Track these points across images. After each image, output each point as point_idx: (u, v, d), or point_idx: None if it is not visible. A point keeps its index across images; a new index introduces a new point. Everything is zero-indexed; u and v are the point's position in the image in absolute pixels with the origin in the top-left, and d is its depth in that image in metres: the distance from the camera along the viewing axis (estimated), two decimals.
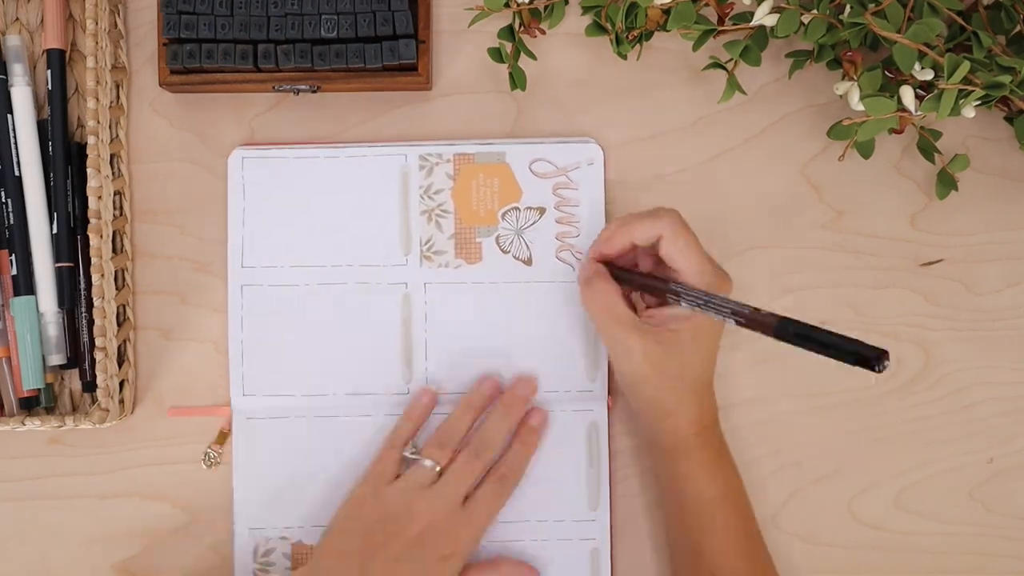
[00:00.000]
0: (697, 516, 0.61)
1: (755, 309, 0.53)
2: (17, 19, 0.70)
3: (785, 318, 0.51)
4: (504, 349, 0.67)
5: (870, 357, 0.46)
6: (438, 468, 0.62)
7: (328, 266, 0.67)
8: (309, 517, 0.66)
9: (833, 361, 0.69)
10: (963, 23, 0.61)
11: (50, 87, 0.67)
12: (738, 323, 0.54)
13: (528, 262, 0.67)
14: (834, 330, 0.49)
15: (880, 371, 0.46)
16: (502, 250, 0.67)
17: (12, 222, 0.67)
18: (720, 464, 0.62)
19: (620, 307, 0.60)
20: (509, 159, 0.68)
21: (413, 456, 0.63)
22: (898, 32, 0.58)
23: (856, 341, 0.47)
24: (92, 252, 0.64)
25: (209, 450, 0.67)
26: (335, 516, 0.63)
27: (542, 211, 0.68)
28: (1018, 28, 0.61)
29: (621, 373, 0.62)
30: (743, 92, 0.66)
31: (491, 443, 0.63)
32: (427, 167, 0.68)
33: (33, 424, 0.64)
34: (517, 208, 0.68)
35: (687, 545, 0.62)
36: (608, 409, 0.67)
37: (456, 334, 0.67)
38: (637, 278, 0.62)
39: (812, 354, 0.68)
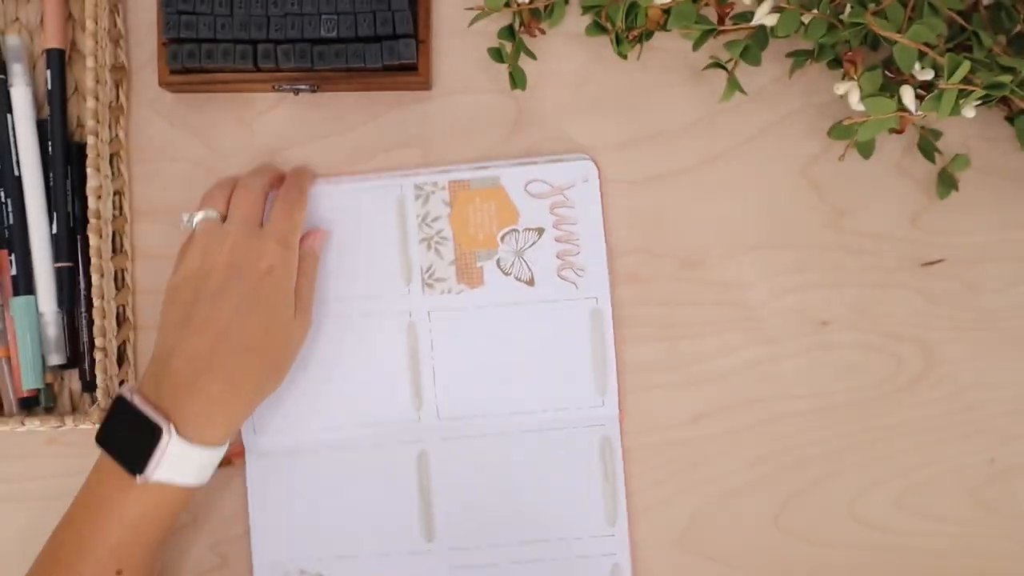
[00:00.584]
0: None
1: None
2: (17, 19, 0.70)
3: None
4: (512, 370, 0.67)
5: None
6: (217, 211, 0.63)
7: (331, 299, 0.67)
8: (329, 548, 0.67)
9: (835, 361, 0.69)
10: (963, 23, 0.61)
11: (50, 87, 0.67)
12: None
13: (530, 282, 0.68)
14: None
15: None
16: (503, 272, 0.68)
17: (12, 222, 0.67)
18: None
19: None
20: (504, 182, 0.68)
21: (191, 216, 0.64)
22: (898, 32, 0.58)
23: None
24: (92, 252, 0.64)
25: None
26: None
27: (541, 231, 0.68)
28: (1018, 28, 0.61)
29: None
30: (743, 92, 0.66)
31: (254, 184, 0.64)
32: (423, 196, 0.68)
33: (33, 424, 0.64)
34: (516, 230, 0.68)
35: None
36: (620, 423, 0.67)
37: (463, 359, 0.68)
38: None
39: (813, 354, 0.69)
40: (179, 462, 0.57)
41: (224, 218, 0.63)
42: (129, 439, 0.58)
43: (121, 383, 0.67)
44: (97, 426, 0.63)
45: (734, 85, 0.64)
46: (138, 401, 0.58)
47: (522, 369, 0.67)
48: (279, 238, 0.62)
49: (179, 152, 0.70)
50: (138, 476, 0.57)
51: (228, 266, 0.60)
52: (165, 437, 0.57)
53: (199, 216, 0.63)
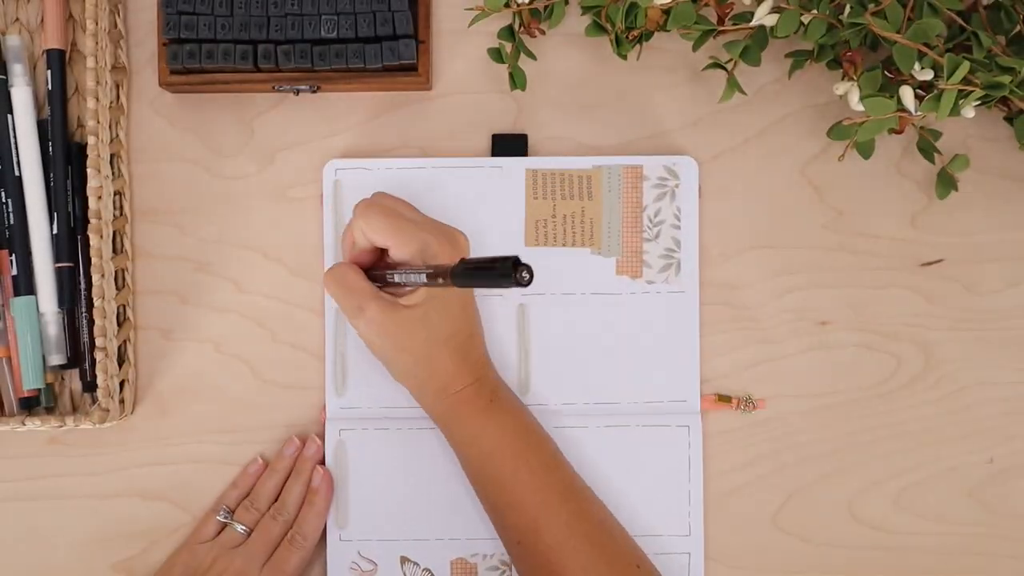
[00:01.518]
0: (481, 472, 0.62)
1: (433, 269, 0.57)
2: (17, 19, 0.70)
3: (456, 266, 0.53)
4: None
5: (508, 274, 0.48)
6: (247, 530, 0.65)
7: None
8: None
9: (834, 361, 0.69)
10: (963, 23, 0.61)
11: (50, 87, 0.67)
12: (431, 284, 0.57)
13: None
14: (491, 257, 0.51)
15: (524, 283, 0.48)
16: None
17: (12, 222, 0.67)
18: (493, 414, 0.62)
19: (356, 278, 0.62)
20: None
21: (225, 520, 0.66)
22: (898, 32, 0.58)
23: (497, 259, 0.49)
24: (92, 252, 0.64)
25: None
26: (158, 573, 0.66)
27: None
28: (1018, 28, 0.61)
29: (366, 343, 0.63)
30: (743, 92, 0.66)
31: (285, 505, 0.66)
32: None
33: (33, 424, 0.64)
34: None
35: (487, 503, 0.63)
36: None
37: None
38: (373, 273, 0.63)
39: (812, 354, 0.69)
40: None
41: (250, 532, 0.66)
42: None
43: (121, 384, 0.67)
44: (97, 426, 0.63)
45: (734, 85, 0.65)
46: None
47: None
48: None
49: (179, 152, 0.70)
50: None
51: None
52: None
53: (237, 528, 0.65)
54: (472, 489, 0.64)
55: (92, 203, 0.64)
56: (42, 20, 0.69)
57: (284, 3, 0.65)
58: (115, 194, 0.68)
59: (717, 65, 0.65)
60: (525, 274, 0.48)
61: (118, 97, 0.69)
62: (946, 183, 0.67)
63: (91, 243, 0.64)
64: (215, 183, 0.70)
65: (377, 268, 0.64)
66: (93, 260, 0.64)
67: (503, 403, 0.63)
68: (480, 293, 0.67)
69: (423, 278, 0.57)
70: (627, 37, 0.64)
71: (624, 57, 0.65)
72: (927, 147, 0.67)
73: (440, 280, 0.55)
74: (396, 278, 0.60)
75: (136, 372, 0.69)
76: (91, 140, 0.65)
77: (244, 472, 0.68)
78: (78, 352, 0.68)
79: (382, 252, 0.64)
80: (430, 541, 0.67)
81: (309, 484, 0.67)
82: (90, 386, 0.67)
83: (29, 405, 0.67)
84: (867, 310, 0.69)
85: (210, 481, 0.68)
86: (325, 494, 0.66)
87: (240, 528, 0.65)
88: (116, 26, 0.69)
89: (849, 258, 0.69)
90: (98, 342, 0.64)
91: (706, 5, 0.65)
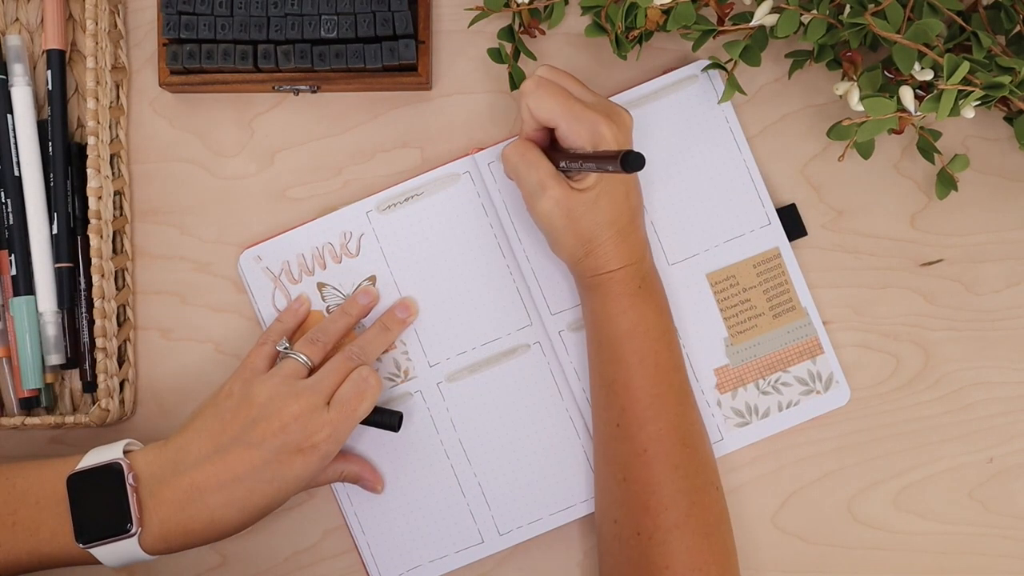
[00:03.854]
0: (609, 349, 0.62)
1: (600, 154, 0.57)
2: (17, 19, 0.70)
3: (626, 152, 0.54)
4: None
5: (626, 159, 0.53)
6: (310, 363, 0.63)
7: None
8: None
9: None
10: (963, 23, 0.61)
11: (50, 87, 0.67)
12: (600, 171, 0.58)
13: None
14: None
15: (636, 168, 0.53)
16: None
17: (12, 222, 0.67)
18: (638, 300, 0.62)
19: (540, 156, 0.61)
20: None
21: (286, 350, 0.64)
22: (898, 32, 0.58)
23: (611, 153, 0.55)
24: (92, 252, 0.64)
25: None
26: (203, 404, 0.63)
27: None
28: (1018, 28, 0.61)
29: (536, 216, 0.62)
30: (743, 92, 0.66)
31: (367, 353, 0.64)
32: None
33: (33, 424, 0.64)
34: None
35: (600, 379, 0.63)
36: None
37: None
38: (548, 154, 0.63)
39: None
40: (119, 552, 0.58)
41: (311, 371, 0.63)
42: (96, 512, 0.58)
43: (121, 384, 0.67)
44: (97, 426, 0.63)
45: (734, 85, 0.65)
46: (129, 485, 0.58)
47: None
48: (334, 432, 0.61)
49: (179, 152, 0.70)
50: (80, 543, 0.58)
51: (282, 428, 0.60)
52: (127, 541, 0.58)
53: (294, 355, 0.63)
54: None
55: (92, 203, 0.64)
56: (42, 20, 0.69)
57: (284, 3, 0.65)
58: (115, 194, 0.68)
59: (717, 65, 0.65)
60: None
61: (118, 97, 0.69)
62: (946, 183, 0.67)
63: (91, 243, 0.64)
64: (215, 183, 0.70)
65: (546, 150, 0.63)
66: (93, 260, 0.64)
67: (650, 291, 0.63)
68: None
69: (593, 165, 0.57)
70: (627, 37, 0.64)
71: (624, 57, 0.65)
72: (927, 147, 0.67)
73: (609, 167, 0.56)
74: (567, 165, 0.60)
75: (136, 372, 0.69)
76: (91, 140, 0.65)
77: (290, 309, 0.67)
78: (78, 352, 0.68)
79: (549, 132, 0.63)
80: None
81: (388, 311, 0.66)
82: (90, 386, 0.67)
83: (29, 405, 0.67)
84: (867, 310, 0.69)
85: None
86: (405, 325, 0.67)
87: (303, 358, 0.63)
88: (116, 26, 0.69)
89: (849, 258, 0.69)
90: (98, 342, 0.64)
91: (706, 5, 0.65)
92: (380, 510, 0.67)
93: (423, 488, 0.67)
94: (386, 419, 0.65)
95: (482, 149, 0.68)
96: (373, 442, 0.67)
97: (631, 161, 0.53)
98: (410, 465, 0.67)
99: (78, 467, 0.59)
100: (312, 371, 0.63)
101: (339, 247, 0.68)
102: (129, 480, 0.58)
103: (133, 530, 0.57)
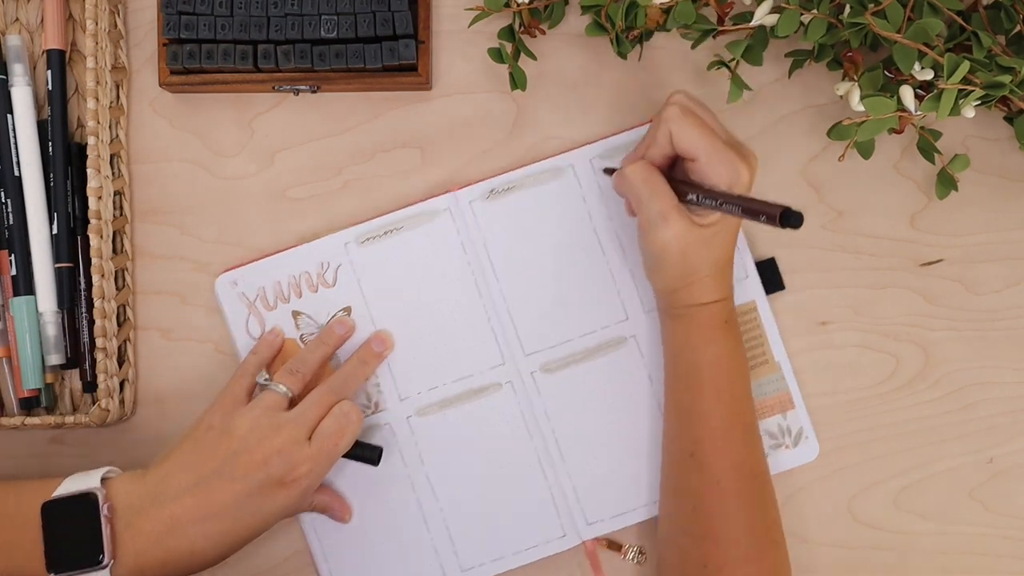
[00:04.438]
0: (688, 378, 0.62)
1: (754, 202, 0.55)
2: (17, 19, 0.70)
3: (785, 209, 0.53)
4: None
5: (786, 216, 0.52)
6: (290, 394, 0.63)
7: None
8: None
9: (836, 361, 0.69)
10: (963, 23, 0.61)
11: (50, 87, 0.67)
12: (726, 211, 0.56)
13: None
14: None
15: (796, 226, 0.52)
16: None
17: (12, 222, 0.67)
18: (722, 333, 0.62)
19: (664, 184, 0.60)
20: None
21: (265, 382, 0.63)
22: (898, 32, 0.58)
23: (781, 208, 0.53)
24: (92, 252, 0.64)
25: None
26: (183, 436, 0.62)
27: None
28: (1018, 28, 0.61)
29: (650, 245, 0.61)
30: (749, 88, 0.66)
31: (348, 386, 0.64)
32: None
33: (33, 424, 0.64)
34: None
35: (676, 408, 0.63)
36: None
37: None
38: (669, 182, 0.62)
39: (812, 354, 0.69)
40: None
41: (292, 403, 0.63)
42: (69, 542, 0.57)
43: (121, 384, 0.67)
44: (97, 426, 0.63)
45: (739, 84, 0.64)
46: (104, 516, 0.57)
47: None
48: (316, 466, 0.61)
49: (179, 152, 0.70)
50: (51, 573, 0.57)
51: (264, 462, 0.59)
52: (98, 574, 0.57)
53: (273, 387, 0.63)
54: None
55: (92, 203, 0.64)
56: (42, 20, 0.69)
57: (284, 3, 0.65)
58: (115, 194, 0.68)
59: (721, 64, 0.65)
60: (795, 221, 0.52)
61: (118, 97, 0.69)
62: (946, 183, 0.67)
63: (91, 243, 0.64)
64: (215, 183, 0.70)
65: (669, 177, 0.62)
66: (93, 260, 0.64)
67: (733, 328, 0.63)
68: None
69: (739, 211, 0.55)
70: (627, 37, 0.64)
71: (624, 57, 0.65)
72: (927, 147, 0.67)
73: (762, 218, 0.54)
74: (699, 200, 0.58)
75: (136, 372, 0.69)
76: (91, 140, 0.65)
77: (264, 340, 0.67)
78: (78, 352, 0.68)
79: (672, 160, 0.62)
80: None
81: (364, 344, 0.66)
82: (90, 386, 0.67)
83: (29, 405, 0.67)
84: (867, 310, 0.69)
85: None
86: (381, 358, 0.67)
87: (283, 389, 0.63)
88: (116, 26, 0.69)
89: (849, 258, 0.69)
90: (98, 342, 0.64)
91: (706, 4, 0.65)
92: (344, 539, 0.67)
93: (387, 520, 0.67)
94: (366, 453, 0.65)
95: (464, 186, 0.68)
96: (338, 471, 0.67)
97: (792, 219, 0.52)
98: (375, 496, 0.67)
99: (54, 495, 0.58)
100: (292, 402, 0.63)
101: (316, 276, 0.68)
102: (104, 511, 0.57)
103: (105, 562, 0.57)
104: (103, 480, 0.59)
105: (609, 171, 0.66)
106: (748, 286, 0.68)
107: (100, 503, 0.58)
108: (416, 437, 0.67)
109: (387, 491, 0.67)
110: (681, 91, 0.61)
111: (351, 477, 0.67)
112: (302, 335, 0.67)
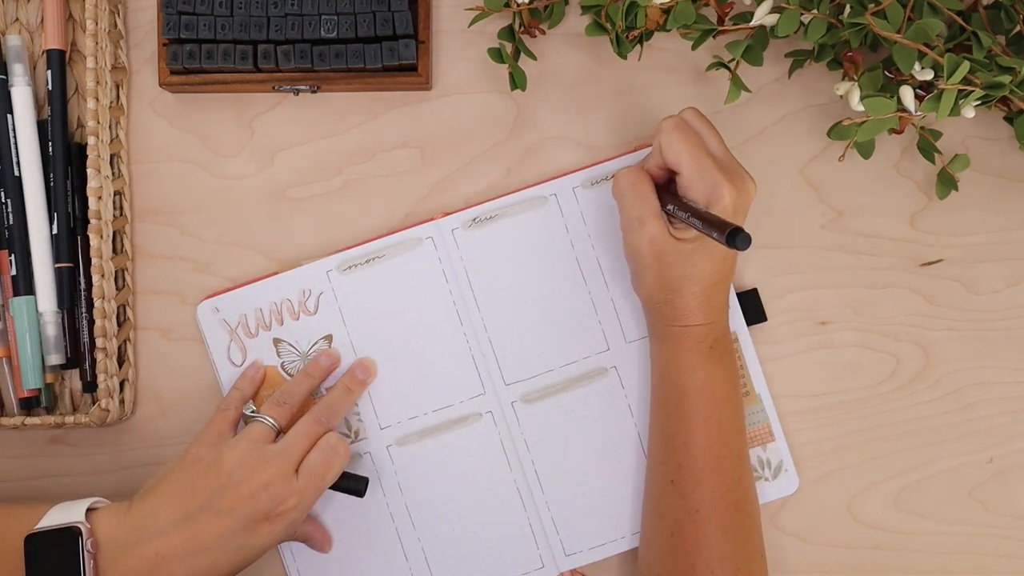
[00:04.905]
0: (673, 404, 0.62)
1: (710, 217, 0.56)
2: (17, 19, 0.70)
3: (734, 228, 0.54)
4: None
5: (732, 235, 0.53)
6: (277, 426, 0.62)
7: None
8: None
9: (834, 361, 0.69)
10: (963, 23, 0.61)
11: (50, 87, 0.67)
12: (703, 231, 0.57)
13: None
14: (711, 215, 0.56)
15: (741, 247, 0.53)
16: None
17: (12, 222, 0.67)
18: (709, 359, 0.62)
19: (650, 191, 0.61)
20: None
21: (252, 414, 0.63)
22: (898, 32, 0.58)
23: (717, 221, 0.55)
24: (92, 252, 0.64)
25: None
26: (168, 468, 0.61)
27: None
28: (1018, 28, 0.61)
29: (627, 247, 0.62)
30: (748, 90, 0.66)
31: (334, 414, 0.64)
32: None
33: (34, 424, 0.64)
34: None
35: (660, 433, 0.63)
36: None
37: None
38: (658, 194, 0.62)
39: (812, 354, 0.69)
40: None
41: (279, 433, 0.63)
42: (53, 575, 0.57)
43: (121, 384, 0.67)
44: (97, 426, 0.63)
45: (738, 85, 0.64)
46: (87, 551, 0.57)
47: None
48: (303, 500, 0.61)
49: (179, 152, 0.70)
50: None
51: (251, 496, 0.59)
52: None
53: (260, 419, 0.62)
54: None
55: (92, 203, 0.64)
56: (42, 20, 0.69)
57: (284, 3, 0.65)
58: (115, 194, 0.68)
59: (721, 64, 0.65)
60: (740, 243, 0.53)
61: (118, 97, 0.69)
62: (946, 183, 0.67)
63: (91, 243, 0.64)
64: (215, 183, 0.70)
65: (661, 188, 0.63)
66: (93, 260, 0.64)
67: (722, 352, 0.63)
68: None
69: (700, 224, 0.56)
70: (627, 37, 0.64)
71: (624, 57, 0.65)
72: (927, 147, 0.67)
73: (714, 234, 0.55)
74: (673, 211, 0.59)
75: (136, 372, 0.69)
76: (91, 140, 0.65)
77: (246, 376, 0.66)
78: (78, 352, 0.68)
79: (671, 173, 0.62)
80: None
81: (348, 371, 0.66)
82: (90, 386, 0.67)
83: (29, 405, 0.67)
84: (867, 310, 0.69)
85: None
86: (365, 385, 0.66)
87: (271, 422, 0.62)
88: (116, 26, 0.69)
89: (849, 258, 0.69)
90: (98, 342, 0.64)
91: (706, 5, 0.65)
92: (322, 568, 0.67)
93: (366, 549, 0.67)
94: (352, 485, 0.64)
95: (448, 214, 0.68)
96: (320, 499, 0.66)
97: (737, 239, 0.53)
98: (354, 525, 0.67)
99: (37, 527, 0.58)
100: (279, 433, 0.63)
101: (297, 304, 0.68)
102: (87, 546, 0.57)
103: None
104: (89, 511, 0.59)
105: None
106: (729, 317, 0.66)
107: (83, 538, 0.57)
108: (396, 466, 0.67)
109: (366, 520, 0.67)
110: (691, 108, 0.62)
111: (331, 504, 0.67)
112: (283, 363, 0.67)
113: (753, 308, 0.68)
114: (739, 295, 0.68)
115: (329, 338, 0.67)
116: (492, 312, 0.67)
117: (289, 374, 0.67)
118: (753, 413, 0.68)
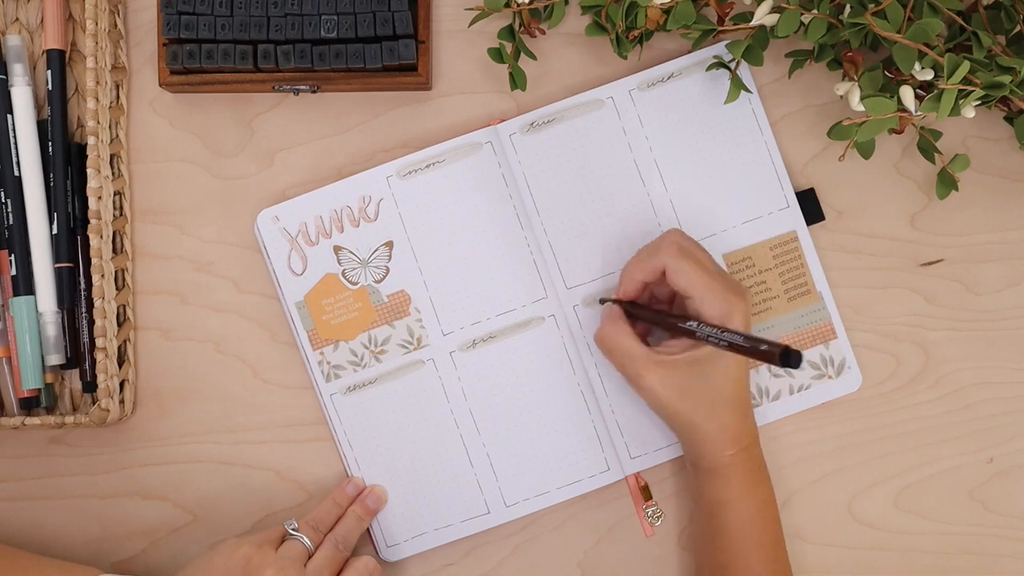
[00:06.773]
0: (729, 535, 0.62)
1: (754, 340, 0.55)
2: (17, 19, 0.70)
3: (785, 348, 0.53)
4: None
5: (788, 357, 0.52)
6: (312, 549, 0.64)
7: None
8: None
9: None
10: (963, 23, 0.61)
11: (50, 87, 0.67)
12: (719, 346, 0.57)
13: None
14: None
15: (797, 366, 0.52)
16: None
17: (12, 222, 0.67)
18: (756, 482, 0.63)
19: (630, 344, 0.62)
20: None
21: (294, 532, 0.64)
22: (898, 32, 0.58)
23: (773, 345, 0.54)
24: (92, 252, 0.64)
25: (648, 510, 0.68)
26: (208, 555, 0.62)
27: None
28: (1018, 28, 0.61)
29: (649, 404, 0.63)
30: (748, 91, 0.66)
31: (349, 541, 0.65)
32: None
33: (33, 424, 0.64)
34: None
35: (713, 563, 0.63)
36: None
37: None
38: (650, 314, 0.63)
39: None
40: None
41: (314, 549, 0.64)
42: None
43: (121, 384, 0.67)
44: (97, 426, 0.63)
45: (739, 85, 0.64)
46: None
47: None
48: None
49: (179, 152, 0.70)
50: None
51: None
52: None
53: (299, 538, 0.64)
54: None
55: (92, 203, 0.64)
56: (42, 20, 0.69)
57: (284, 3, 0.65)
58: (115, 194, 0.68)
59: (721, 65, 0.65)
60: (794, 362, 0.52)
61: (118, 97, 0.69)
62: (946, 183, 0.67)
63: (91, 243, 0.64)
64: (215, 183, 0.70)
65: (648, 308, 0.64)
66: (93, 260, 0.64)
67: (764, 474, 0.64)
68: None
69: (744, 351, 0.56)
70: (627, 37, 0.64)
71: (625, 57, 0.65)
72: (927, 147, 0.67)
73: (762, 358, 0.54)
74: (708, 338, 0.58)
75: (136, 372, 0.69)
76: (91, 140, 0.65)
77: (340, 492, 0.68)
78: (78, 352, 0.68)
79: (646, 289, 0.64)
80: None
81: (360, 502, 0.67)
82: (90, 386, 0.67)
83: (29, 405, 0.67)
84: (867, 310, 0.69)
85: (210, 481, 0.68)
86: (374, 514, 0.67)
87: (307, 543, 0.64)
88: (116, 26, 0.69)
89: (849, 258, 0.69)
90: (98, 342, 0.64)
91: (706, 5, 0.65)
92: (386, 476, 0.67)
93: (431, 456, 0.67)
94: None
95: (504, 120, 0.68)
96: (381, 402, 0.67)
97: (792, 360, 0.52)
98: (419, 432, 0.67)
99: None
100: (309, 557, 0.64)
101: (357, 211, 0.67)
102: None
103: None
104: None
105: (603, 301, 0.66)
106: (788, 216, 0.67)
107: None
108: (459, 372, 0.67)
109: (430, 427, 0.67)
110: (676, 229, 0.64)
111: (394, 411, 0.67)
112: (344, 270, 0.67)
113: (812, 207, 0.68)
114: (798, 194, 0.68)
115: (390, 244, 0.67)
116: (552, 216, 0.67)
117: (350, 282, 0.67)
118: (815, 311, 0.67)
